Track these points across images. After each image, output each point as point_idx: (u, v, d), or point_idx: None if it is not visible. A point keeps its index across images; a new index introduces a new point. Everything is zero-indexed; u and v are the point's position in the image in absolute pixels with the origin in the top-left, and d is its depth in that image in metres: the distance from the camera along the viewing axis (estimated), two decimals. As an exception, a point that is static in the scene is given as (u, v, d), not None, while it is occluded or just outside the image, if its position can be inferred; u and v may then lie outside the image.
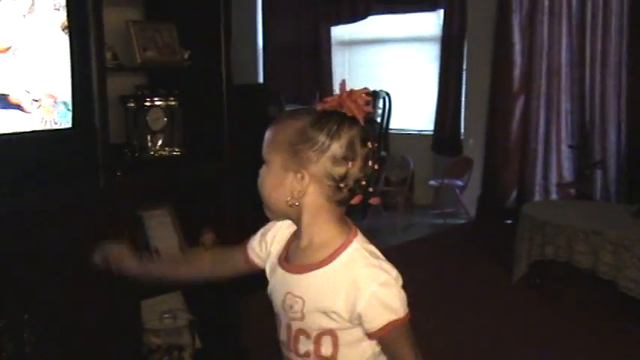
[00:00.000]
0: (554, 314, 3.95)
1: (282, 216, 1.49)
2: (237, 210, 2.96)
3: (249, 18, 7.67)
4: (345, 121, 1.38)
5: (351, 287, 1.39)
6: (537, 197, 5.95)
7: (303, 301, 1.45)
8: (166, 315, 2.88)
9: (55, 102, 2.37)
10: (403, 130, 7.18)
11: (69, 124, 2.42)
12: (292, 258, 1.50)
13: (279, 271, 1.51)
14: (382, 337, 1.43)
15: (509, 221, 5.64)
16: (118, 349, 2.59)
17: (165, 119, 2.89)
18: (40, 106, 2.32)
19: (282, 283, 1.50)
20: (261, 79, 7.74)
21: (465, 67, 6.61)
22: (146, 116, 2.84)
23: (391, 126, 6.95)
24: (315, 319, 1.44)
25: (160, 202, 3.01)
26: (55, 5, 2.31)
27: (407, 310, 1.43)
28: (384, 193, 6.42)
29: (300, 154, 1.38)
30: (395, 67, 7.30)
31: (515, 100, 6.07)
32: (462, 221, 6.32)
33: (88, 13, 2.40)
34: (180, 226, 3.02)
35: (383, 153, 6.79)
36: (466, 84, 6.62)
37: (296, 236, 1.51)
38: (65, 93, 2.39)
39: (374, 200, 1.45)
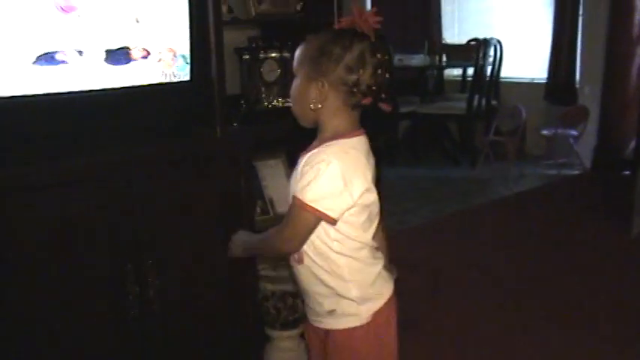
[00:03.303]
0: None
1: (307, 120, 1.75)
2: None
3: (357, -34, 7.58)
4: (356, 37, 1.65)
5: (305, 162, 1.68)
6: (657, 147, 5.69)
7: (290, 183, 1.77)
8: (281, 262, 2.95)
9: (175, 55, 2.44)
10: (515, 78, 6.98)
11: (187, 77, 2.49)
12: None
13: None
14: (290, 206, 1.71)
15: (627, 172, 5.44)
16: (235, 294, 2.69)
17: (279, 70, 2.92)
18: (160, 59, 2.39)
19: None
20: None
21: (581, 11, 6.33)
22: (260, 68, 2.88)
23: (502, 74, 6.76)
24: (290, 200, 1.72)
25: (274, 152, 3.06)
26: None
27: (317, 207, 1.63)
28: (494, 142, 6.30)
29: (320, 66, 1.66)
30: (506, 13, 7.07)
31: (635, 45, 5.78)
32: (577, 172, 6.13)
33: (205, -32, 2.45)
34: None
35: (493, 102, 6.64)
36: (582, 29, 6.34)
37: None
38: (184, 46, 2.45)
39: (385, 106, 1.69)
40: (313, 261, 1.74)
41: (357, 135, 1.72)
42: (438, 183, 5.98)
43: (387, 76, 1.67)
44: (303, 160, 1.70)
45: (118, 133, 2.38)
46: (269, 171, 3.05)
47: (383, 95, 1.67)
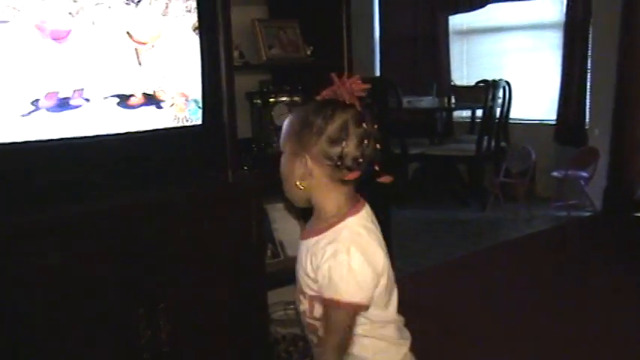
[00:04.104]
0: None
1: (298, 200, 1.65)
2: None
3: (366, 10, 7.68)
4: (339, 106, 1.54)
5: (320, 256, 1.54)
6: (669, 189, 5.68)
7: (300, 264, 1.64)
8: (291, 306, 2.95)
9: (187, 100, 2.47)
10: (524, 119, 7.01)
11: (199, 121, 2.52)
12: (308, 227, 1.69)
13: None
14: (325, 308, 1.56)
15: (638, 214, 5.42)
16: (246, 338, 2.68)
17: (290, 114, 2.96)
18: (173, 104, 2.43)
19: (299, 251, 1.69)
20: (377, 72, 7.73)
21: (589, 53, 6.37)
22: (271, 112, 2.92)
23: (511, 116, 6.79)
24: (304, 282, 1.61)
25: (284, 195, 3.08)
26: (186, 7, 2.41)
27: (353, 300, 1.52)
28: (504, 184, 6.31)
29: (303, 140, 1.55)
30: (515, 55, 7.12)
31: (644, 87, 5.81)
32: (588, 214, 6.11)
33: (218, 14, 2.49)
34: (302, 218, 3.08)
35: (503, 143, 6.66)
36: (591, 71, 6.38)
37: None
38: (196, 91, 2.48)
39: (384, 178, 1.57)
40: None
41: (360, 209, 1.61)
42: (447, 225, 5.97)
43: (377, 146, 1.55)
44: (318, 250, 1.57)
45: (130, 177, 2.41)
46: (279, 214, 3.07)
47: (376, 167, 1.56)
